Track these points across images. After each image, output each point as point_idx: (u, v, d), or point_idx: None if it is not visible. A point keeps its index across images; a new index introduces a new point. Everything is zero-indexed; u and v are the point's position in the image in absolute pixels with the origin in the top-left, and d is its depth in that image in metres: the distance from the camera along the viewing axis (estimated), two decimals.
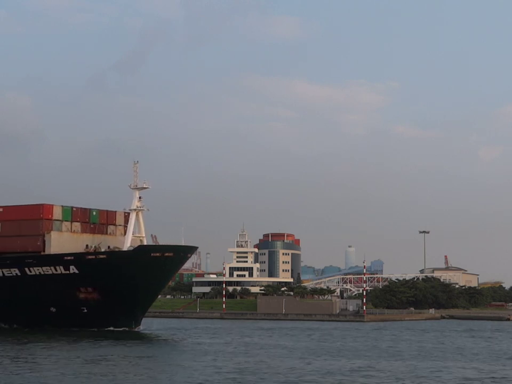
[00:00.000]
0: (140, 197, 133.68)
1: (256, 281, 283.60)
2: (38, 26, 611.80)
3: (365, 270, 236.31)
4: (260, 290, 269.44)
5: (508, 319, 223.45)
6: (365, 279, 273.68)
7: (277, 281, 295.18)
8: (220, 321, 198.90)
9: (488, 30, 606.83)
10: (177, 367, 77.09)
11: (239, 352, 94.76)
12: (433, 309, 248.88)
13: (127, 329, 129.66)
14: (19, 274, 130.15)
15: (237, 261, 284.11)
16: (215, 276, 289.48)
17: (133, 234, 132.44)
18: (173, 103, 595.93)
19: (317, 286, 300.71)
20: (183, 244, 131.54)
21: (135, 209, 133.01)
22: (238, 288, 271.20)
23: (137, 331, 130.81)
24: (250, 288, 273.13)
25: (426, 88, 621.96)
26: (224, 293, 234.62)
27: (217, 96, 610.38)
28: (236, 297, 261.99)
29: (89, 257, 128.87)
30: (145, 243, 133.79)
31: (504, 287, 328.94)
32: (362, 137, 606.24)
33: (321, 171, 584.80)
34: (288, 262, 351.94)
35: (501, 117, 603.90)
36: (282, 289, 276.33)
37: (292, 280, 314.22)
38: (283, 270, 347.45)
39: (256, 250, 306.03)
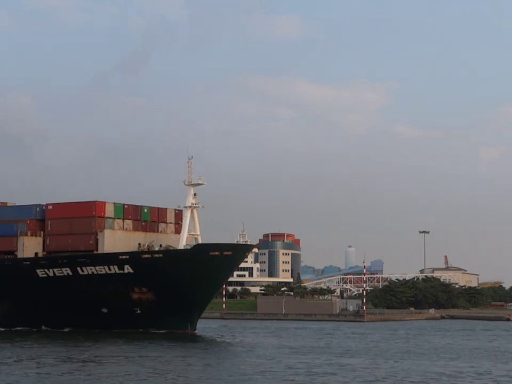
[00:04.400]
0: (194, 194, 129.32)
1: (256, 281, 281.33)
2: (39, 26, 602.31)
3: (365, 270, 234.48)
4: (260, 290, 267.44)
5: (508, 319, 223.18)
6: (365, 279, 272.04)
7: (277, 281, 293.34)
8: (223, 321, 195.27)
9: (488, 30, 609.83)
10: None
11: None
12: (433, 309, 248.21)
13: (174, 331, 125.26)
14: (71, 274, 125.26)
15: None
16: None
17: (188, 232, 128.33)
18: (174, 103, 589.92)
19: (317, 286, 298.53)
20: (241, 241, 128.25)
21: (190, 206, 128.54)
22: (238, 288, 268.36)
23: (193, 333, 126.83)
24: (250, 288, 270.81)
25: (426, 88, 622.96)
26: (224, 293, 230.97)
27: (218, 95, 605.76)
28: (236, 297, 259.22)
29: (145, 256, 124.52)
30: (200, 241, 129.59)
31: (504, 287, 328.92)
32: (362, 137, 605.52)
33: (322, 171, 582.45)
34: (288, 262, 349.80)
35: (502, 116, 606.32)
36: (282, 289, 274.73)
37: (292, 280, 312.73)
38: (283, 270, 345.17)
39: (256, 250, 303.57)
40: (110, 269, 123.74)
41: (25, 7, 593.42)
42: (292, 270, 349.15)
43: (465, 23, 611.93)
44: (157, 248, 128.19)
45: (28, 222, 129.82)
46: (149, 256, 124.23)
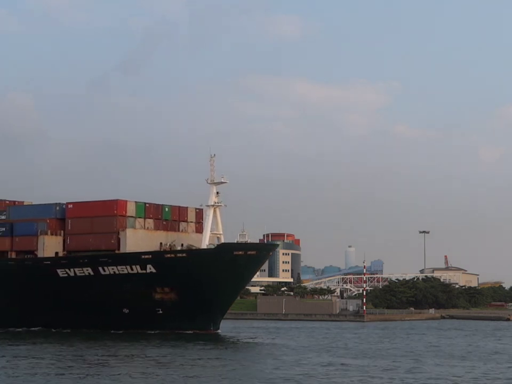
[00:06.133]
0: (217, 192, 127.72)
1: (256, 281, 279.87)
2: (39, 26, 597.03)
3: (365, 270, 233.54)
4: (260, 290, 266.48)
5: (508, 319, 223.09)
6: (365, 279, 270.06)
7: (277, 281, 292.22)
8: (223, 321, 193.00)
9: (488, 30, 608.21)
10: None
11: None
12: (433, 309, 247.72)
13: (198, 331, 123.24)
14: (92, 274, 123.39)
15: None
16: None
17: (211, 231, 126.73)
18: (174, 104, 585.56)
19: (317, 286, 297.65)
20: (265, 241, 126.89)
21: (212, 205, 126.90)
22: None
23: (216, 333, 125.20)
24: (250, 288, 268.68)
25: (426, 88, 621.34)
26: None
27: (218, 96, 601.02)
28: None
29: (168, 255, 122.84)
30: (222, 240, 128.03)
31: (504, 287, 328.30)
32: (362, 137, 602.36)
33: (322, 171, 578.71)
34: (288, 262, 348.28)
35: (502, 116, 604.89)
36: (282, 289, 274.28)
37: (292, 280, 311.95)
38: (283, 270, 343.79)
39: None
40: (132, 269, 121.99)
41: (25, 7, 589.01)
42: (292, 270, 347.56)
43: (465, 23, 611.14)
44: (178, 248, 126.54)
45: (48, 221, 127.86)
46: (172, 255, 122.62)
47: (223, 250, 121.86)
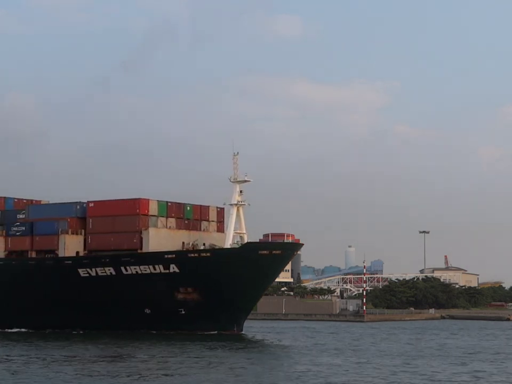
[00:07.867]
0: (240, 191, 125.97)
1: None
2: (40, 26, 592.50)
3: (365, 270, 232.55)
4: None
5: (508, 319, 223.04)
6: (365, 279, 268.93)
7: (277, 281, 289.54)
8: None
9: (488, 29, 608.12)
10: None
11: None
12: (433, 309, 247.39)
13: (216, 332, 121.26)
14: (114, 273, 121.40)
15: None
16: None
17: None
18: (175, 103, 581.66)
19: (317, 286, 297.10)
20: (290, 240, 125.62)
21: (236, 204, 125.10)
22: None
23: (240, 334, 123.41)
24: None
25: (427, 87, 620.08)
26: None
27: (217, 95, 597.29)
28: None
29: (192, 255, 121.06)
30: (245, 240, 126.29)
31: (504, 287, 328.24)
32: (362, 137, 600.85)
33: (322, 171, 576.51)
34: (288, 262, 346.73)
35: (502, 116, 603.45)
36: (282, 289, 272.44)
37: (292, 280, 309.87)
38: (283, 270, 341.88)
39: None
40: (155, 269, 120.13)
41: (25, 7, 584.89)
42: (292, 270, 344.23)
43: (465, 23, 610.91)
44: (201, 247, 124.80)
45: (69, 220, 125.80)
46: (196, 255, 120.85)
47: (248, 250, 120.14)
